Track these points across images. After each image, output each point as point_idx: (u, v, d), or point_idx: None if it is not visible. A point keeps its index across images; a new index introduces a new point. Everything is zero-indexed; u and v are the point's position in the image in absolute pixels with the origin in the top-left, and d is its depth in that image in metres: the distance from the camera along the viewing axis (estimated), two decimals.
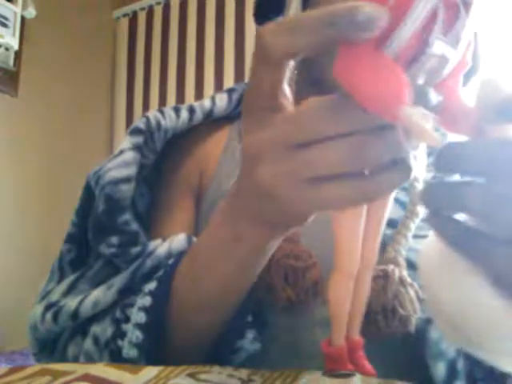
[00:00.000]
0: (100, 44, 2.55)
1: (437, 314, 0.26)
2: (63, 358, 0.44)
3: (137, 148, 0.49)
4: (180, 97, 2.39)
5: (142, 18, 2.58)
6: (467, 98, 0.25)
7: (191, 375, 0.31)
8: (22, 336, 0.46)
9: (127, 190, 0.46)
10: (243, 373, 0.33)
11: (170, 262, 0.42)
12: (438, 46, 0.22)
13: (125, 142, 0.50)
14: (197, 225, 0.51)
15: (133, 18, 2.61)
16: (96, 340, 0.41)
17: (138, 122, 0.52)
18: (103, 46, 2.58)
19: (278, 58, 0.25)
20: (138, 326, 0.39)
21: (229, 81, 2.25)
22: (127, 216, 0.46)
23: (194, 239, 0.45)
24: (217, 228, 0.35)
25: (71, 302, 0.43)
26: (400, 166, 0.25)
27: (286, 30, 0.24)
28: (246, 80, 0.57)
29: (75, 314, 0.42)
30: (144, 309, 0.39)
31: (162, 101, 2.43)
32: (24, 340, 0.46)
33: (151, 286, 0.40)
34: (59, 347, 0.45)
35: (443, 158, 0.24)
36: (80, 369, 0.31)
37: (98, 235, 0.46)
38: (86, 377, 0.30)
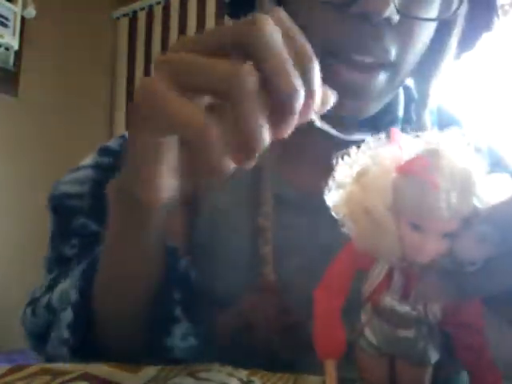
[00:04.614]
0: (100, 44, 2.55)
1: None
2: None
3: (97, 167, 0.48)
4: None
5: (141, 18, 2.58)
6: None
7: (191, 374, 0.32)
8: (21, 335, 0.46)
9: (77, 203, 0.47)
10: (242, 373, 0.33)
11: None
12: (388, 303, 0.24)
13: (88, 158, 0.49)
14: (192, 237, 0.48)
15: (133, 18, 2.61)
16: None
17: (112, 142, 0.49)
18: (103, 46, 2.58)
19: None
20: (71, 305, 0.39)
21: None
22: (82, 219, 0.46)
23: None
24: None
25: (45, 296, 0.43)
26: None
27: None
28: None
29: (49, 306, 0.42)
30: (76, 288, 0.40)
31: None
32: (23, 339, 0.46)
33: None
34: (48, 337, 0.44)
35: None
36: (80, 368, 0.32)
37: (60, 240, 0.47)
38: (85, 376, 0.30)
